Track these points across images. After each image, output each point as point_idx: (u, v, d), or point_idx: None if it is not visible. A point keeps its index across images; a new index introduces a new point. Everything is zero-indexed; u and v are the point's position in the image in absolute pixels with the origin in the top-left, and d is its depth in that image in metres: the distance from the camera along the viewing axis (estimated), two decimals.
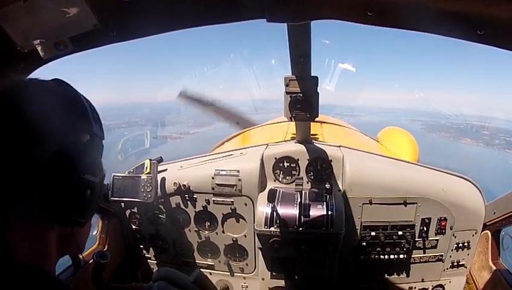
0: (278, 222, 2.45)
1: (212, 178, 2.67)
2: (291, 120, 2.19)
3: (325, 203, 2.48)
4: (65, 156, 0.87)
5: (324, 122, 4.22)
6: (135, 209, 2.89)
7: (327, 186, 2.45)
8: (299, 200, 2.50)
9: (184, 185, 2.69)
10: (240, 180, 2.64)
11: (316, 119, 2.23)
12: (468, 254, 2.70)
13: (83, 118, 0.97)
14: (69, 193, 0.88)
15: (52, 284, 0.87)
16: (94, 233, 2.76)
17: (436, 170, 2.74)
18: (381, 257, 2.63)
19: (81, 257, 2.30)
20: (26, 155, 0.84)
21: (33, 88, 0.93)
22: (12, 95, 0.86)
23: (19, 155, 0.83)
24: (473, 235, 2.65)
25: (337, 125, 4.54)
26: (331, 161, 2.64)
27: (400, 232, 2.56)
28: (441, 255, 2.68)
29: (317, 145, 2.73)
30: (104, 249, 2.71)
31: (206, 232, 2.82)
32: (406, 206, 2.56)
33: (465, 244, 2.65)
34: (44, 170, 0.84)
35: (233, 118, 5.48)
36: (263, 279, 2.75)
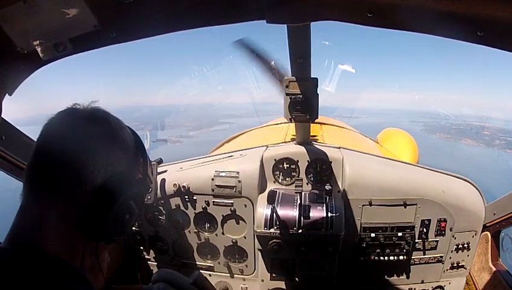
0: (277, 223, 2.45)
1: (212, 179, 2.66)
2: (291, 121, 2.19)
3: (324, 204, 2.49)
4: (116, 182, 1.02)
5: (324, 124, 4.23)
6: None
7: (327, 187, 2.45)
8: (298, 201, 2.50)
9: (184, 187, 2.69)
10: (239, 181, 2.63)
11: (316, 120, 2.23)
12: (468, 255, 2.70)
13: (140, 160, 1.18)
14: (110, 211, 1.01)
15: (71, 273, 0.95)
16: None
17: (436, 171, 2.74)
18: (381, 258, 2.62)
19: None
20: (82, 176, 0.98)
21: (106, 125, 1.09)
22: (102, 130, 1.06)
23: (75, 173, 0.98)
24: (473, 237, 2.65)
25: (337, 126, 4.54)
26: (331, 162, 2.64)
27: (400, 234, 2.56)
28: (441, 257, 2.68)
29: (317, 146, 2.73)
30: None
31: (206, 233, 2.81)
32: (405, 207, 2.56)
33: (465, 245, 2.65)
34: (95, 190, 0.99)
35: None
36: (263, 280, 2.75)
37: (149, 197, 2.63)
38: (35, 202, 0.98)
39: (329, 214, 2.43)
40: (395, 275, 2.76)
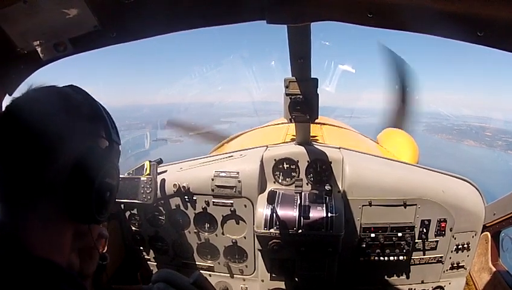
0: (277, 223, 2.45)
1: (212, 180, 2.67)
2: (291, 122, 2.19)
3: (324, 205, 2.48)
4: (87, 162, 0.95)
5: (324, 124, 4.22)
6: (135, 211, 2.89)
7: (327, 188, 2.45)
8: (298, 201, 2.50)
9: (184, 187, 2.69)
10: (239, 181, 2.63)
11: (316, 120, 2.23)
12: (467, 256, 2.70)
13: (102, 125, 1.05)
14: (91, 195, 0.95)
15: (61, 275, 0.91)
16: None
17: (436, 171, 2.74)
18: (381, 258, 2.62)
19: None
20: (48, 163, 0.92)
21: (52, 97, 1.00)
22: (34, 103, 0.96)
23: (41, 163, 0.92)
24: (473, 237, 2.65)
25: (337, 126, 4.54)
26: (330, 162, 2.64)
27: (400, 234, 2.56)
28: (441, 257, 2.68)
29: (317, 146, 2.73)
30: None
31: (206, 233, 2.81)
32: (405, 207, 2.56)
33: (465, 245, 2.65)
34: (68, 175, 0.92)
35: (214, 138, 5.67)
36: (263, 281, 2.75)
37: (149, 197, 2.64)
38: (13, 206, 0.93)
39: (329, 215, 2.43)
40: (395, 275, 2.75)
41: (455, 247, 2.65)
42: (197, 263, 2.93)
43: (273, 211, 2.46)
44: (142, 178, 2.64)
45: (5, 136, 0.93)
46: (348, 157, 2.66)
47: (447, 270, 2.73)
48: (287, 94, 2.03)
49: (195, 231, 2.81)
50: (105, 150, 1.05)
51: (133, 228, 2.94)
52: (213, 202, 2.70)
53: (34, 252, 0.90)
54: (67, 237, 0.99)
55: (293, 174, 2.72)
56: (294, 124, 2.39)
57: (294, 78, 1.96)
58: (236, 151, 2.94)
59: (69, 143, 0.94)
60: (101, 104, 1.10)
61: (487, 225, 2.60)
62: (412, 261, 2.69)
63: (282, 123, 4.20)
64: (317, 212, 2.45)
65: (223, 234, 2.78)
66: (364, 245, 2.60)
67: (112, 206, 1.11)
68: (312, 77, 1.95)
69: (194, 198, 2.73)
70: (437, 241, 2.64)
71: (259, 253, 2.68)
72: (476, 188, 2.67)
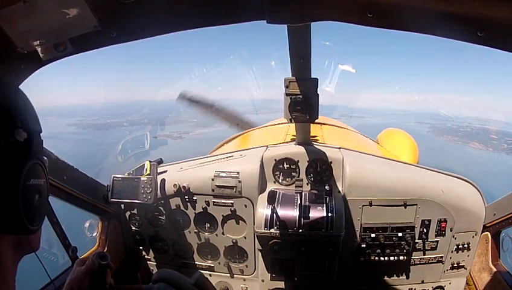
0: (277, 223, 2.45)
1: (212, 180, 2.67)
2: (291, 122, 2.19)
3: (325, 205, 2.49)
4: (3, 163, 0.79)
5: (324, 124, 4.22)
6: (135, 211, 2.89)
7: (327, 188, 2.45)
8: (299, 201, 2.50)
9: (184, 187, 2.69)
10: (239, 181, 2.63)
11: (316, 120, 2.23)
12: (468, 256, 2.70)
13: (16, 113, 0.84)
14: (16, 203, 0.81)
15: None
16: (94, 234, 2.75)
17: (436, 172, 2.74)
18: (381, 258, 2.62)
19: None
20: None
21: None
22: None
23: None
24: (473, 237, 2.65)
25: (337, 126, 4.53)
26: (331, 162, 2.64)
27: (400, 234, 2.56)
28: (441, 257, 2.68)
29: (317, 146, 2.73)
30: (104, 251, 2.70)
31: (206, 233, 2.82)
32: (405, 207, 2.56)
33: (465, 245, 2.65)
34: None
35: (233, 120, 5.47)
36: (263, 281, 2.75)
37: (149, 197, 2.64)
38: None
39: (330, 215, 2.43)
40: (395, 275, 2.76)
41: (455, 247, 2.65)
42: (197, 263, 2.93)
43: (274, 211, 2.46)
44: (142, 178, 2.64)
45: None
46: (348, 157, 2.66)
47: (447, 270, 2.73)
48: (287, 94, 2.03)
49: (196, 231, 2.81)
50: (25, 144, 0.84)
51: (133, 228, 2.94)
52: (213, 202, 2.70)
53: None
54: (6, 253, 0.85)
55: (293, 174, 2.72)
56: (294, 124, 2.39)
57: (294, 78, 1.96)
58: (236, 151, 2.94)
59: None
60: (14, 87, 0.92)
61: (487, 225, 2.60)
62: (412, 261, 2.69)
63: (282, 123, 4.20)
64: (317, 212, 2.45)
65: (223, 234, 2.78)
66: (364, 245, 2.60)
67: (45, 209, 0.96)
68: (312, 77, 1.95)
69: (194, 198, 2.73)
70: (437, 241, 2.64)
71: (260, 253, 2.68)
72: (476, 188, 2.67)
